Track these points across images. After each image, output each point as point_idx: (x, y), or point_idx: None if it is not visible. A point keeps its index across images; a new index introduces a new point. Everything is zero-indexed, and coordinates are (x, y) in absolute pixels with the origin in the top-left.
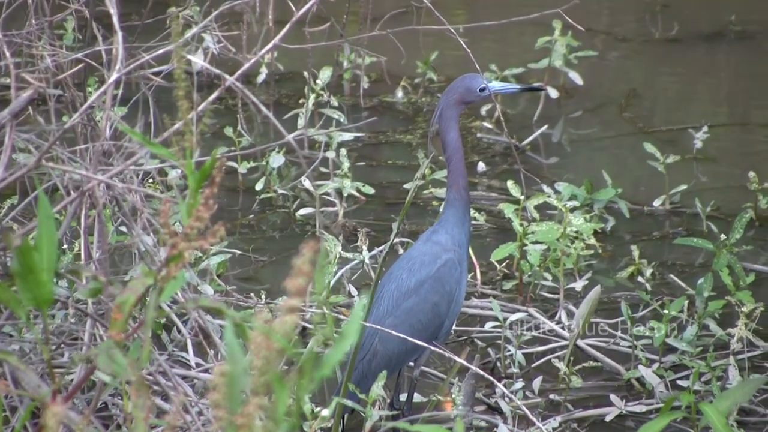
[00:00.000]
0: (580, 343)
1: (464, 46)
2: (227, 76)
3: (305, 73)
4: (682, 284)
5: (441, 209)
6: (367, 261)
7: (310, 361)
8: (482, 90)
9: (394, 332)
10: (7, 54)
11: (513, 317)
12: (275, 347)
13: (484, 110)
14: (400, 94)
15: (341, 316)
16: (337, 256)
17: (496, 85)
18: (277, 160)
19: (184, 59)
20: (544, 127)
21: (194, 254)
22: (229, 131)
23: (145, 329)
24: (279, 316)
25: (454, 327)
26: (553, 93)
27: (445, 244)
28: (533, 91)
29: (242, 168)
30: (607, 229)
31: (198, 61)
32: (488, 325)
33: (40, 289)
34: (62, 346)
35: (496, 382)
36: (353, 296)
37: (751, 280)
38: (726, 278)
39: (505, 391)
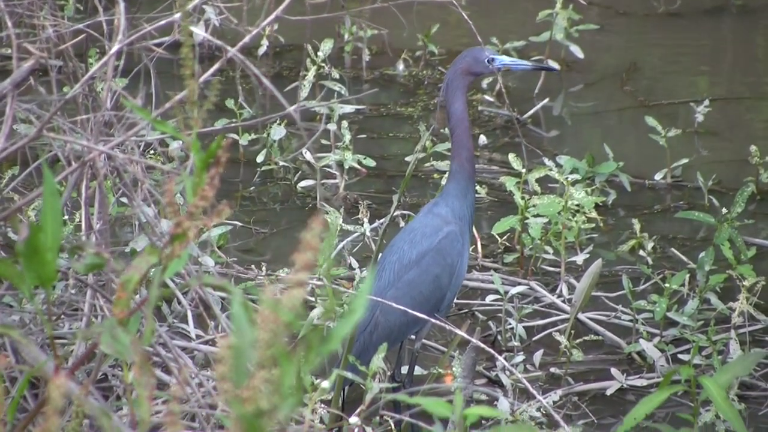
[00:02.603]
0: (581, 316)
1: (466, 18)
2: (229, 48)
3: (306, 46)
4: (684, 258)
5: (444, 181)
6: (368, 233)
7: (316, 335)
8: (490, 61)
9: (395, 304)
10: (9, 24)
11: (514, 290)
12: (282, 321)
13: (485, 83)
14: (401, 66)
15: (342, 289)
16: (338, 228)
17: (505, 59)
18: (278, 132)
19: (189, 37)
20: (545, 101)
21: (198, 232)
22: (230, 103)
23: (149, 307)
24: (286, 289)
25: (455, 300)
26: (554, 66)
27: (446, 216)
28: (545, 71)
29: (243, 140)
30: (609, 202)
31: (200, 32)
32: (489, 298)
33: (44, 268)
34: (62, 316)
35: (496, 355)
36: (354, 269)
37: (752, 254)
38: (727, 252)
39: (506, 364)
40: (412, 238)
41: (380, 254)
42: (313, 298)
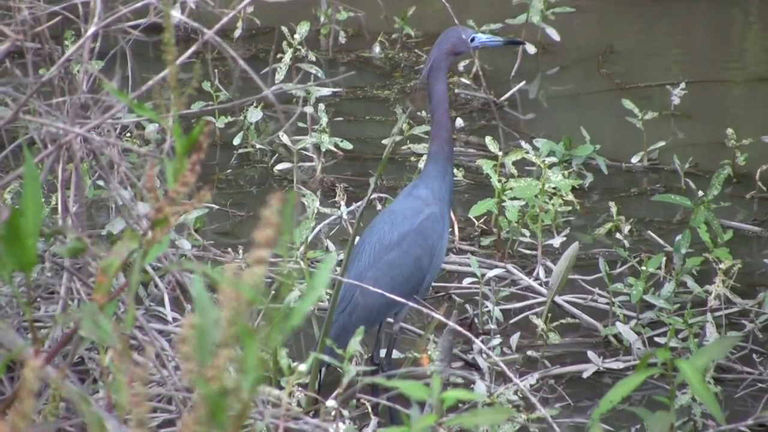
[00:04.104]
0: (558, 299)
1: (443, 0)
2: (206, 30)
3: (282, 28)
4: (660, 241)
5: (423, 163)
6: (344, 216)
7: (280, 313)
8: (472, 40)
9: (376, 285)
10: None
11: (491, 273)
12: (244, 298)
13: (462, 66)
14: (377, 49)
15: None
16: (315, 211)
17: (482, 37)
18: (254, 114)
19: (168, 18)
20: (522, 83)
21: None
22: (206, 86)
23: (129, 293)
24: (248, 267)
25: (432, 283)
26: (531, 49)
27: (426, 198)
28: (515, 45)
29: (220, 123)
30: (586, 185)
31: (176, 14)
32: (466, 281)
33: (25, 253)
34: (38, 300)
35: (473, 338)
36: (331, 252)
37: (728, 236)
38: (704, 235)
39: (483, 347)
40: (393, 220)
41: (358, 237)
42: (290, 282)
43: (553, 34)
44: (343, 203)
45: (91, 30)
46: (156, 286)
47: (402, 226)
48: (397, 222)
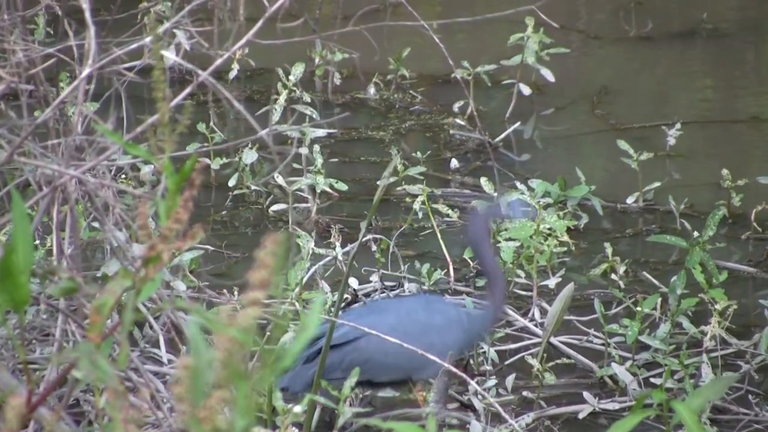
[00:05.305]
0: (553, 340)
1: (438, 42)
2: (200, 72)
3: (277, 69)
4: (656, 281)
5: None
6: (340, 257)
7: (271, 354)
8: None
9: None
10: None
11: None
12: (237, 340)
13: (456, 107)
14: (372, 90)
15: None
16: (310, 252)
17: (516, 202)
18: (249, 156)
19: (160, 58)
20: (517, 124)
21: (172, 255)
22: (201, 127)
23: (122, 331)
24: (241, 308)
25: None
26: (525, 90)
27: (461, 319)
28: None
29: (215, 164)
30: (581, 226)
31: (171, 56)
32: None
33: (17, 291)
34: (33, 342)
35: (468, 379)
36: (326, 293)
37: (724, 277)
38: (699, 276)
39: (478, 388)
40: (429, 308)
41: (351, 277)
42: (284, 324)
43: (548, 75)
44: (338, 244)
45: (86, 72)
46: (151, 327)
47: (446, 314)
48: (436, 309)
